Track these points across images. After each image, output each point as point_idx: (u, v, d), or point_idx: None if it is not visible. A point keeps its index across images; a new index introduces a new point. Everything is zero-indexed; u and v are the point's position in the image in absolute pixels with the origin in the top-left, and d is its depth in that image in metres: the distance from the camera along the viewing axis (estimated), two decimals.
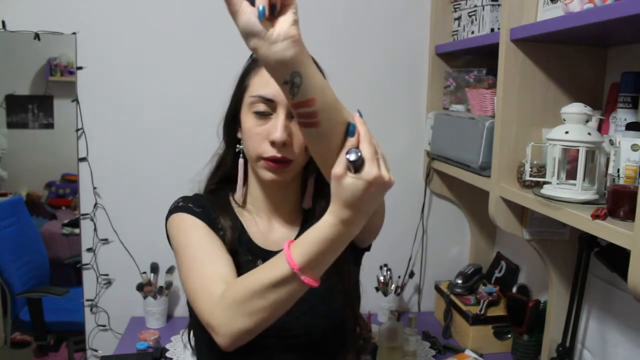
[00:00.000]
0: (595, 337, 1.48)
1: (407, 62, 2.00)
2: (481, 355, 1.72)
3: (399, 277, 2.06)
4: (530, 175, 1.32)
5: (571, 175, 1.22)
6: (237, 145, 1.05)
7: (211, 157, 1.11)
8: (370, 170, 0.70)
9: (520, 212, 1.49)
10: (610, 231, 1.01)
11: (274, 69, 0.67)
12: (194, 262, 0.90)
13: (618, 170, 1.09)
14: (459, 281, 1.93)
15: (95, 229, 1.95)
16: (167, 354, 1.72)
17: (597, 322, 1.47)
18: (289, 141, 0.94)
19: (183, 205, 1.00)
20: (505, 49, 1.39)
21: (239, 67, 1.04)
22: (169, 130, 1.92)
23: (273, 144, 0.93)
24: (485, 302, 1.77)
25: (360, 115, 0.74)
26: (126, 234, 1.96)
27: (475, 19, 1.69)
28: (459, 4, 1.82)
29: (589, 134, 1.17)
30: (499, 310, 1.78)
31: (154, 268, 1.95)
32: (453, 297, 1.90)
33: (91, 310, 1.99)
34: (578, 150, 1.17)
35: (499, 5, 1.58)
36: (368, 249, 1.11)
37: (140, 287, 1.91)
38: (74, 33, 1.84)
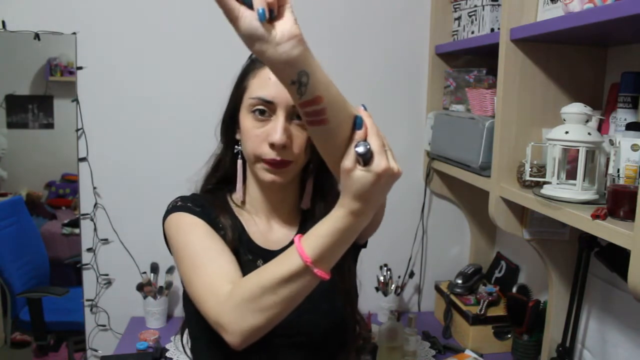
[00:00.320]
0: (595, 337, 1.48)
1: (407, 62, 2.00)
2: (481, 355, 1.72)
3: (399, 277, 2.06)
4: (530, 175, 1.32)
5: (571, 175, 1.22)
6: (235, 146, 1.04)
7: (209, 157, 1.11)
8: (379, 162, 0.70)
9: (520, 212, 1.49)
10: (610, 231, 1.01)
11: (281, 70, 0.67)
12: (196, 262, 0.90)
13: (618, 170, 1.10)
14: (459, 281, 1.93)
15: (95, 229, 1.95)
16: (167, 354, 1.72)
17: (597, 322, 1.47)
18: (289, 143, 0.94)
19: (182, 204, 0.99)
20: (505, 49, 1.39)
21: (239, 67, 1.04)
22: (169, 130, 1.92)
23: (272, 146, 0.93)
24: (485, 302, 1.77)
25: (365, 109, 0.75)
26: (126, 234, 1.96)
27: (475, 19, 1.69)
28: (459, 4, 1.82)
29: (589, 134, 1.17)
30: (499, 310, 1.78)
31: (154, 268, 1.95)
32: (453, 297, 1.90)
33: (91, 310, 1.99)
34: (578, 150, 1.17)
35: (499, 5, 1.58)
36: (364, 245, 1.12)
37: (140, 287, 1.91)
38: (74, 33, 1.84)
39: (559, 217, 1.19)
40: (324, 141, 0.75)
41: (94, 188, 1.92)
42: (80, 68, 1.87)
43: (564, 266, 1.51)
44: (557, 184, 1.24)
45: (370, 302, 1.97)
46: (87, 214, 1.94)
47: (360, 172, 0.71)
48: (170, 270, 1.95)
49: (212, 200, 1.04)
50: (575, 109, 1.20)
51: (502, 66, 1.41)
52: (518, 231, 1.50)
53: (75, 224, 2.00)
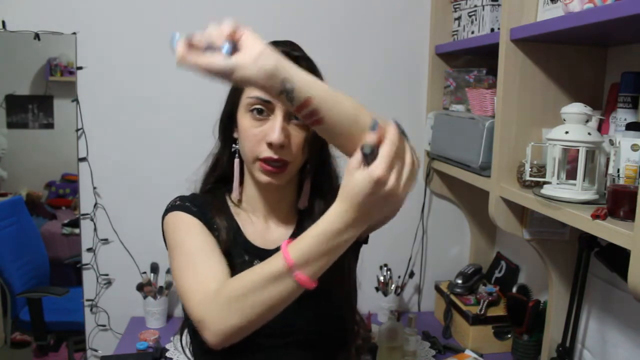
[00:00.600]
0: (595, 337, 1.48)
1: (407, 62, 2.00)
2: (481, 355, 1.72)
3: (399, 277, 2.06)
4: (530, 175, 1.32)
5: (571, 175, 1.22)
6: (233, 145, 1.04)
7: (206, 156, 1.11)
8: (377, 166, 0.68)
9: (520, 212, 1.49)
10: (610, 231, 1.01)
11: (266, 85, 0.70)
12: (188, 260, 0.90)
13: (618, 170, 1.09)
14: (459, 281, 1.93)
15: (95, 229, 1.95)
16: (167, 354, 1.72)
17: (597, 322, 1.47)
18: (287, 143, 0.94)
19: (180, 204, 1.00)
20: (505, 49, 1.39)
21: None
22: (169, 130, 1.92)
23: (270, 145, 0.93)
24: (485, 302, 1.77)
25: (398, 126, 0.71)
26: (126, 234, 1.96)
27: (475, 19, 1.69)
28: (459, 4, 1.82)
29: (589, 134, 1.17)
30: (499, 310, 1.78)
31: (154, 268, 1.95)
32: (453, 297, 1.90)
33: (91, 310, 1.99)
34: (578, 150, 1.17)
35: (499, 5, 1.58)
36: (366, 241, 1.11)
37: (140, 287, 1.91)
38: (74, 33, 1.84)
39: (559, 217, 1.19)
40: (331, 139, 0.76)
41: (94, 188, 1.92)
42: (80, 68, 1.87)
43: (564, 266, 1.51)
44: (557, 184, 1.24)
45: (370, 302, 1.97)
46: (87, 214, 1.94)
47: (359, 173, 0.70)
48: (170, 270, 1.95)
49: (210, 200, 1.04)
50: (575, 109, 1.20)
51: (502, 66, 1.41)
52: (518, 231, 1.50)
53: (75, 224, 2.00)
